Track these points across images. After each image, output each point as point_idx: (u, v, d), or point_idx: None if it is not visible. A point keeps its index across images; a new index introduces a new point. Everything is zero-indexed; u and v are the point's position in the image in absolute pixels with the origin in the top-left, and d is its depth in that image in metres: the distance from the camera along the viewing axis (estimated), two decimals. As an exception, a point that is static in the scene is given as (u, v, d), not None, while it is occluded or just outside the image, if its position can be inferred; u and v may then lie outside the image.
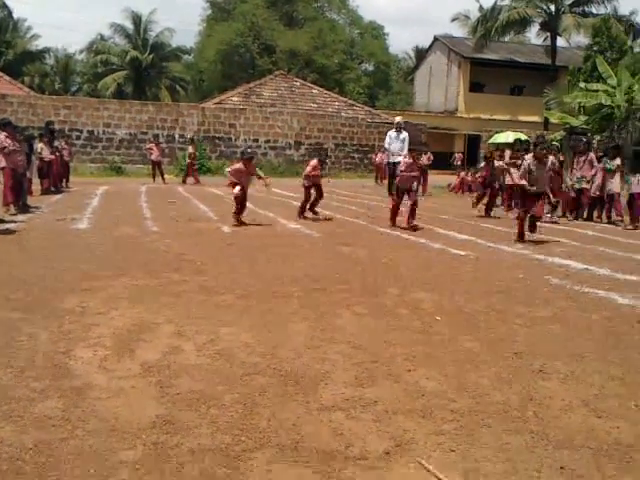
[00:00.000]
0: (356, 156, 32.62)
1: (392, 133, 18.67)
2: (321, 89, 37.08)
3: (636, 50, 41.28)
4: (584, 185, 14.32)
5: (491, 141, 29.41)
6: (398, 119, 19.28)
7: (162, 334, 4.44)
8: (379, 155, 26.28)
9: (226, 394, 3.41)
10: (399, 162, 16.26)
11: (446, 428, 3.06)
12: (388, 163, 18.64)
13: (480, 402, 3.40)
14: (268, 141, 31.26)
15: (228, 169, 11.19)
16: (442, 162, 30.56)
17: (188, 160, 23.03)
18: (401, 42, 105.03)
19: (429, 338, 4.55)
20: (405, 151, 16.95)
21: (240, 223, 10.67)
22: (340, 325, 4.82)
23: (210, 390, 3.46)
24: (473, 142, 40.32)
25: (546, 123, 35.41)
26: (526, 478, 2.63)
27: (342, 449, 2.84)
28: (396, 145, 18.22)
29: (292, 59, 50.17)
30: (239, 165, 10.88)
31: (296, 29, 52.19)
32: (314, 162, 12.37)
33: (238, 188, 10.63)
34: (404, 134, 18.40)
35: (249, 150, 11.74)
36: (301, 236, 9.79)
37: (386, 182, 20.08)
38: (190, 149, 23.04)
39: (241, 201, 10.82)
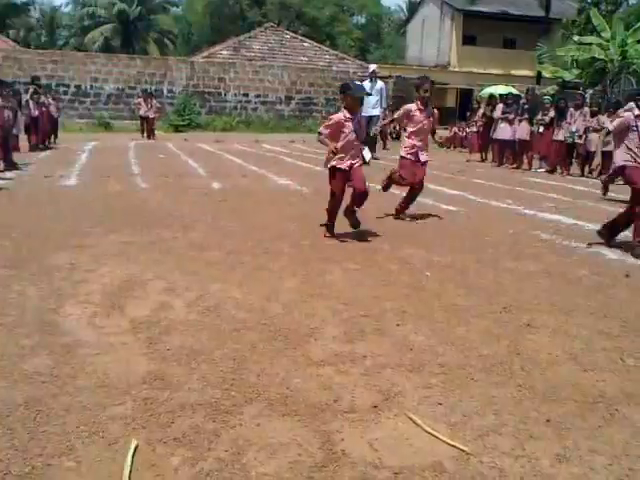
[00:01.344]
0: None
1: (366, 83, 16.05)
2: (312, 42, 36.51)
3: (632, 2, 40.86)
4: (577, 140, 14.29)
5: (481, 94, 29.16)
6: (373, 67, 17.45)
7: (152, 290, 4.44)
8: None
9: (216, 350, 3.42)
10: (376, 116, 15.93)
11: (434, 382, 3.09)
12: (363, 117, 17.23)
13: (468, 356, 3.42)
14: (258, 96, 30.94)
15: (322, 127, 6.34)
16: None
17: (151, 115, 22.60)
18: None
19: (418, 293, 4.57)
20: (384, 103, 16.42)
21: (330, 234, 6.43)
22: (330, 281, 4.83)
23: (200, 346, 3.47)
24: (465, 96, 40.00)
25: (539, 77, 35.10)
26: (512, 430, 2.66)
27: (331, 403, 2.86)
28: (372, 97, 15.88)
29: (282, 11, 49.36)
30: (339, 115, 6.25)
31: (286, -20, 51.28)
32: None
33: (343, 161, 6.25)
34: (380, 84, 16.60)
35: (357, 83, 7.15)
36: (292, 192, 9.76)
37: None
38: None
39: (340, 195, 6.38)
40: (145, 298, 4.26)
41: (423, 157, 7.52)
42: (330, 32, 51.47)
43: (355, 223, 6.52)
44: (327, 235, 6.38)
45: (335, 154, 6.17)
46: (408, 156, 7.48)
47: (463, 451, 2.49)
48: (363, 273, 5.07)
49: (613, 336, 3.82)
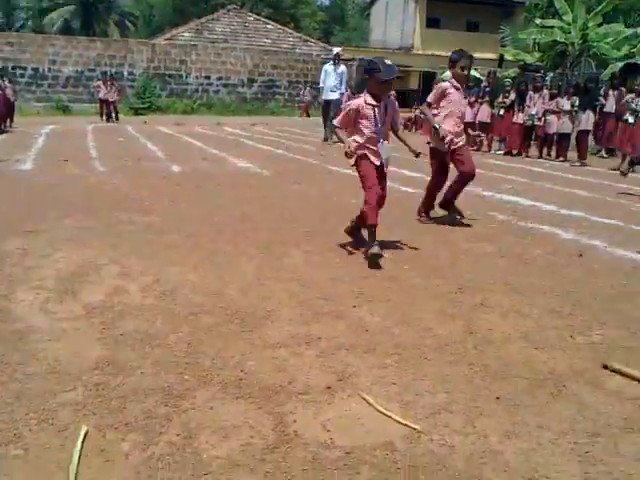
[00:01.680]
0: (314, 93, 32.23)
1: (328, 66, 16.34)
2: (275, 24, 36.30)
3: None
4: (536, 122, 14.45)
5: (442, 76, 29.27)
6: (337, 49, 17.37)
7: (107, 275, 4.38)
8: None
9: (170, 334, 3.40)
10: (336, 100, 15.77)
11: (388, 362, 3.11)
12: (324, 100, 16.49)
13: (423, 336, 3.46)
14: (220, 78, 30.68)
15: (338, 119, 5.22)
16: (398, 100, 30.42)
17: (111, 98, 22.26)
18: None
19: (375, 274, 4.59)
20: (344, 87, 16.12)
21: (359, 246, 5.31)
22: (288, 263, 4.83)
23: (154, 330, 3.44)
24: (429, 79, 40.12)
25: (501, 60, 35.29)
26: (463, 408, 2.69)
27: (285, 384, 2.86)
28: (332, 80, 16.05)
29: (245, -7, 48.82)
30: (359, 100, 5.10)
31: (249, -39, 50.68)
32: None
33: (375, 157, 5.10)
34: (342, 67, 16.33)
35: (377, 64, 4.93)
36: (252, 175, 9.71)
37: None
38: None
39: (377, 200, 5.10)
40: (100, 283, 4.21)
41: (460, 142, 6.32)
42: (294, 14, 51.10)
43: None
44: (375, 253, 4.82)
45: (351, 156, 5.00)
46: (443, 146, 6.24)
47: (414, 429, 2.51)
48: (321, 256, 5.07)
49: (564, 315, 3.88)
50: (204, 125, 21.55)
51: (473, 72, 24.96)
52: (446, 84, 6.31)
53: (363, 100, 5.02)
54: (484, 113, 15.57)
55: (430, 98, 6.39)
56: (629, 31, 24.47)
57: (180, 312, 3.72)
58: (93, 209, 6.60)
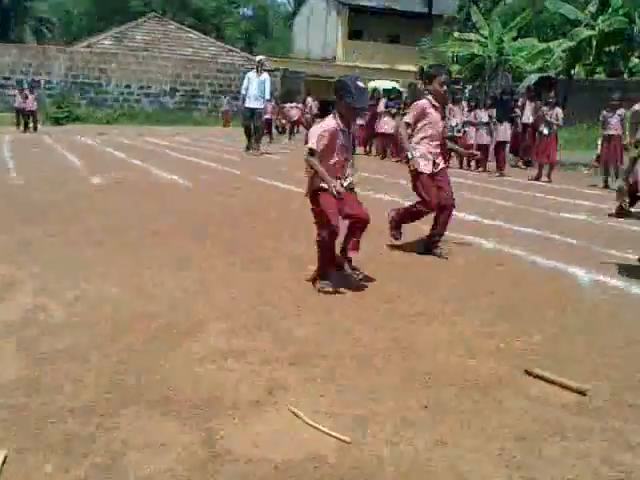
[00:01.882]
0: (234, 103, 32.11)
1: (251, 74, 15.80)
2: (198, 33, 36.03)
3: (508, 1, 42.71)
4: (456, 133, 14.80)
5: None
6: (260, 57, 16.63)
7: (26, 291, 4.23)
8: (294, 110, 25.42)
9: (93, 351, 3.30)
10: (260, 108, 15.59)
11: (317, 373, 3.12)
12: (245, 108, 15.87)
13: (352, 346, 3.47)
14: (142, 87, 30.22)
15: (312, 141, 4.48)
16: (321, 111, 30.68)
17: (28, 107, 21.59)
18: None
19: (303, 286, 4.59)
20: (267, 95, 15.73)
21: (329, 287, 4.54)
22: (215, 277, 4.78)
23: (76, 348, 3.34)
24: (351, 90, 40.53)
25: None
26: (392, 418, 2.72)
27: (213, 400, 2.83)
28: (255, 88, 15.56)
29: (167, 1, 48.28)
30: (331, 122, 4.48)
31: (171, -30, 50.18)
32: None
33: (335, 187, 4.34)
34: (265, 75, 15.74)
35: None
36: (176, 187, 9.58)
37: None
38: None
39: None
40: (18, 300, 4.06)
41: (441, 164, 5.78)
42: (217, 23, 50.92)
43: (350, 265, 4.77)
44: (324, 290, 4.47)
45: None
46: (424, 170, 5.64)
47: (343, 441, 2.52)
48: (247, 268, 5.04)
49: (489, 322, 3.98)
50: (125, 135, 21.16)
51: (394, 84, 25.47)
52: (424, 102, 5.67)
53: (336, 123, 4.43)
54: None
55: (409, 118, 5.69)
56: (542, 45, 25.39)
57: (103, 328, 3.62)
58: (10, 222, 6.37)
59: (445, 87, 5.66)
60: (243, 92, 15.78)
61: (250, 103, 15.60)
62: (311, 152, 4.38)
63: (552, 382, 3.12)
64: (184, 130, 24.52)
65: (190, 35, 34.91)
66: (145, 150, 16.22)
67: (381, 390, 2.97)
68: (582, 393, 3.03)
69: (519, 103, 15.60)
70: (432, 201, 5.63)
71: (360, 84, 4.45)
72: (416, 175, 5.67)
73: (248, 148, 15.97)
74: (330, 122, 4.46)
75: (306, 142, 16.97)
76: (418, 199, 5.75)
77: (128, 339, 3.48)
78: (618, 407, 2.92)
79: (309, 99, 21.87)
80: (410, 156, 5.52)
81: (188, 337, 3.54)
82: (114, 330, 3.60)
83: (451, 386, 3.04)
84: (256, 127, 16.10)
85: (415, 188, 5.74)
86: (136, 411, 2.71)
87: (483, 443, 2.55)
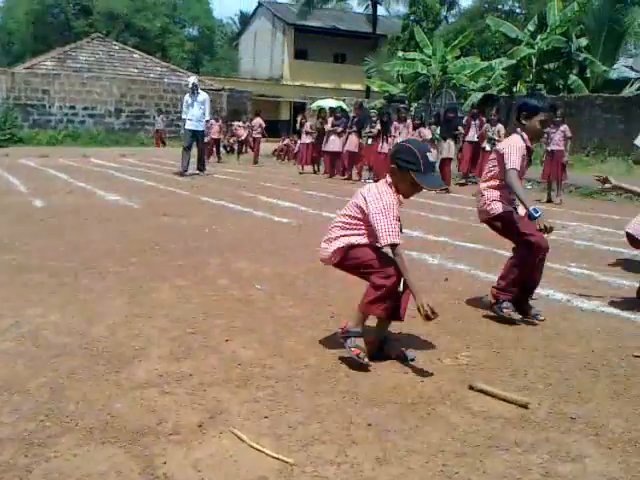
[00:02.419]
0: (181, 124, 31.92)
1: (188, 97, 15.73)
2: (142, 54, 35.75)
3: (451, 20, 43.66)
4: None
5: (311, 107, 29.88)
6: (193, 79, 16.48)
7: (-40, 319, 4.10)
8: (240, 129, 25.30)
9: (31, 379, 3.21)
10: (201, 131, 15.52)
11: (260, 395, 3.09)
12: (187, 131, 15.73)
13: (295, 367, 3.46)
14: (86, 108, 29.81)
15: None
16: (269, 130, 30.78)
17: None
18: (225, 6, 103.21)
19: (248, 307, 4.57)
20: (207, 115, 15.69)
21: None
22: (158, 299, 4.71)
23: (13, 376, 3.24)
24: (299, 109, 40.84)
25: (368, 91, 36.59)
26: (336, 438, 2.70)
27: (154, 426, 2.77)
28: (196, 110, 15.50)
29: (110, 22, 47.96)
30: (391, 193, 3.54)
31: (114, -10, 49.78)
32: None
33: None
34: (203, 96, 15.77)
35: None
36: (121, 208, 9.45)
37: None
38: None
39: None
40: (-48, 328, 3.93)
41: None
42: (161, 44, 50.64)
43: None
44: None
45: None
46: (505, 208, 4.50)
47: (287, 463, 2.49)
48: (192, 289, 4.99)
49: (432, 338, 4.01)
50: (70, 157, 20.81)
51: (340, 103, 25.70)
52: (519, 140, 4.51)
53: (395, 193, 3.56)
54: (352, 143, 15.99)
55: (515, 163, 4.33)
56: (484, 64, 26.04)
57: (42, 355, 3.53)
58: (-55, 248, 6.18)
59: (542, 127, 4.60)
60: (184, 116, 15.65)
61: (192, 125, 15.44)
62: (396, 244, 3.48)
63: (495, 396, 3.15)
64: (130, 151, 24.24)
65: (134, 55, 34.63)
66: (90, 172, 15.97)
67: (326, 410, 2.95)
68: (524, 406, 3.07)
69: (463, 121, 15.90)
70: (542, 239, 4.41)
71: (429, 155, 3.54)
72: (500, 217, 4.52)
73: (184, 170, 15.45)
74: (389, 194, 3.53)
75: (255, 162, 16.87)
76: (521, 246, 4.50)
77: (68, 365, 3.39)
78: (559, 419, 2.96)
79: (258, 119, 21.88)
80: (535, 215, 4.16)
81: (130, 362, 3.47)
82: (53, 356, 3.51)
83: (395, 404, 3.05)
84: (199, 149, 15.89)
85: (510, 233, 4.57)
86: (75, 439, 2.64)
87: (427, 460, 2.56)
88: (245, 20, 55.09)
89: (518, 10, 43.05)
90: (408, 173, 3.48)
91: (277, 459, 2.52)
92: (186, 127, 15.69)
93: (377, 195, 3.51)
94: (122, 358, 3.52)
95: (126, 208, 9.42)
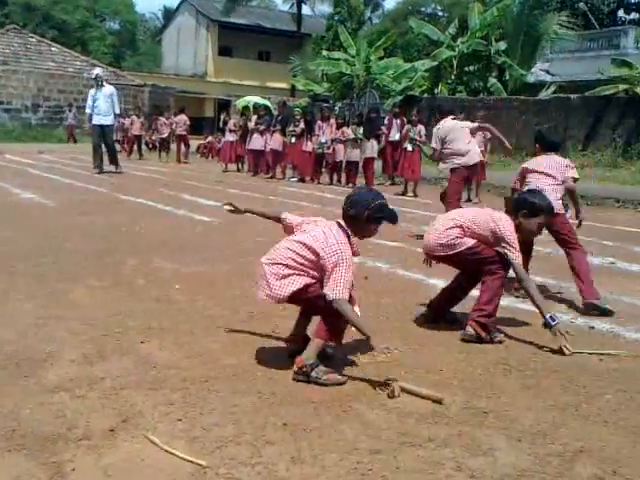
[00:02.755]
0: (79, 118, 31.05)
1: (93, 90, 14.89)
2: (61, 47, 34.61)
3: (375, 22, 44.16)
4: (326, 150, 15.06)
5: (236, 104, 29.68)
6: (97, 71, 15.59)
7: None
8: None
9: None
10: (110, 125, 14.83)
11: (175, 398, 3.04)
12: (94, 126, 14.95)
13: (212, 368, 3.42)
14: (1, 103, 28.71)
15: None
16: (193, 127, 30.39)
17: None
18: (148, 1, 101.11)
19: (166, 307, 4.49)
20: (117, 109, 14.96)
21: None
22: (72, 300, 4.57)
23: None
24: (224, 106, 40.49)
25: (293, 89, 36.59)
26: (251, 438, 2.69)
27: (64, 431, 2.69)
28: (102, 104, 14.63)
29: (27, 13, 46.30)
30: (345, 242, 3.49)
31: (31, -20, 48.15)
32: None
33: None
34: (109, 89, 14.88)
35: None
36: (35, 206, 9.15)
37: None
38: None
39: None
40: None
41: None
42: (81, 37, 49.26)
43: None
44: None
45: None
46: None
47: (200, 465, 2.46)
48: (108, 290, 4.87)
49: (350, 336, 4.01)
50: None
51: (265, 101, 25.62)
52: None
53: (348, 242, 3.51)
54: (276, 141, 15.96)
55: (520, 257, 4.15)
56: (407, 65, 26.44)
57: (-55, 360, 3.38)
58: None
59: (536, 230, 4.34)
60: (88, 111, 14.87)
61: (99, 120, 14.70)
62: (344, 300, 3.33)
63: (410, 392, 3.20)
64: (48, 147, 23.48)
65: (53, 49, 33.51)
66: (4, 168, 15.39)
67: (241, 411, 2.93)
68: (439, 402, 3.12)
69: (385, 121, 16.09)
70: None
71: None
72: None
73: (98, 167, 14.85)
74: (348, 249, 3.46)
75: (179, 160, 16.49)
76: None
77: (-28, 371, 3.26)
78: (472, 414, 3.03)
79: (182, 116, 21.51)
80: (552, 323, 3.95)
81: (40, 365, 3.36)
82: (-43, 362, 3.36)
83: (312, 402, 3.05)
84: (107, 144, 15.07)
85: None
86: (-22, 448, 2.53)
87: (341, 457, 2.57)
88: (168, 15, 54.16)
89: (440, 13, 44.00)
90: (375, 217, 3.54)
91: (190, 462, 2.48)
92: (93, 122, 14.92)
93: (338, 247, 3.39)
94: (31, 362, 3.40)
95: (41, 206, 9.13)
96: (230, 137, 18.17)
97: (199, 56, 44.30)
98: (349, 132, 14.41)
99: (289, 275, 3.39)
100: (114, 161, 15.33)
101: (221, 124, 21.09)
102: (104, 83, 15.10)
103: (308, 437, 2.72)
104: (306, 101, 28.48)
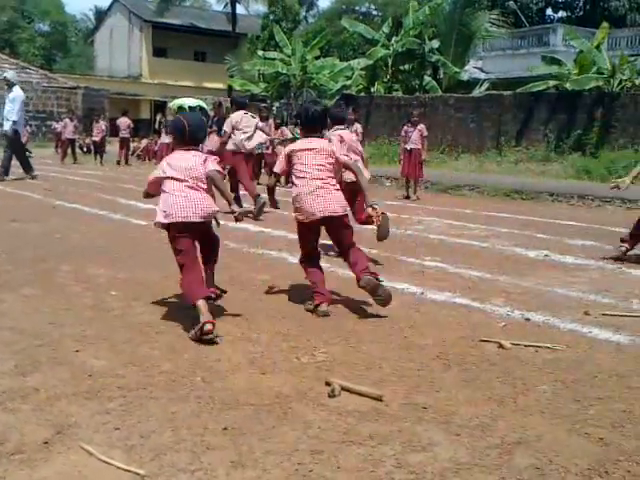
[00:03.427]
0: (33, 123, 30.33)
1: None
2: (-12, 50, 33.62)
3: (310, 21, 44.23)
4: (265, 150, 15.01)
5: (170, 105, 29.31)
6: (7, 74, 14.64)
7: None
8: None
9: None
10: (6, 130, 13.64)
11: (112, 406, 2.97)
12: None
13: (149, 374, 3.36)
14: None
15: None
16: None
17: None
18: (79, 1, 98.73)
19: (102, 314, 4.40)
20: (15, 115, 13.61)
21: None
22: (4, 310, 4.43)
23: None
24: (160, 108, 39.91)
25: (230, 90, 36.33)
26: (190, 445, 2.65)
27: (-6, 447, 2.60)
28: (6, 108, 13.76)
29: (-49, 15, 44.82)
30: None
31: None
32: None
33: None
34: (15, 92, 13.73)
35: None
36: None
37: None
38: None
39: None
40: None
41: None
42: (9, 39, 47.89)
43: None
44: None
45: None
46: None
47: (138, 474, 2.41)
48: (42, 298, 4.74)
49: (291, 337, 4.02)
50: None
51: (199, 102, 25.34)
52: None
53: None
54: (213, 142, 15.79)
55: None
56: (343, 64, 26.58)
57: None
58: None
59: None
60: None
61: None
62: None
63: (350, 391, 3.21)
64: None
65: (-21, 51, 32.54)
66: None
67: (180, 417, 2.89)
68: (379, 399, 3.13)
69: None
70: None
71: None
72: None
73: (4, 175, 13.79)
74: None
75: (119, 163, 16.03)
76: None
77: None
78: (412, 410, 3.04)
79: (124, 118, 21.07)
80: None
81: (-31, 379, 3.25)
82: None
83: (252, 405, 3.03)
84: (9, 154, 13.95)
85: None
86: None
87: (282, 460, 2.55)
88: (100, 16, 53.09)
89: (375, 12, 44.38)
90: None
91: (127, 471, 2.43)
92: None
93: None
94: (-40, 376, 3.28)
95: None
96: (167, 139, 17.93)
97: (133, 57, 43.60)
98: (287, 132, 14.39)
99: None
100: (26, 166, 14.28)
101: (157, 125, 20.82)
102: (12, 88, 13.85)
103: (248, 441, 2.70)
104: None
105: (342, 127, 6.35)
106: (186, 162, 4.22)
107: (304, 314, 4.50)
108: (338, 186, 4.72)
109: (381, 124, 22.34)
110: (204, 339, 3.82)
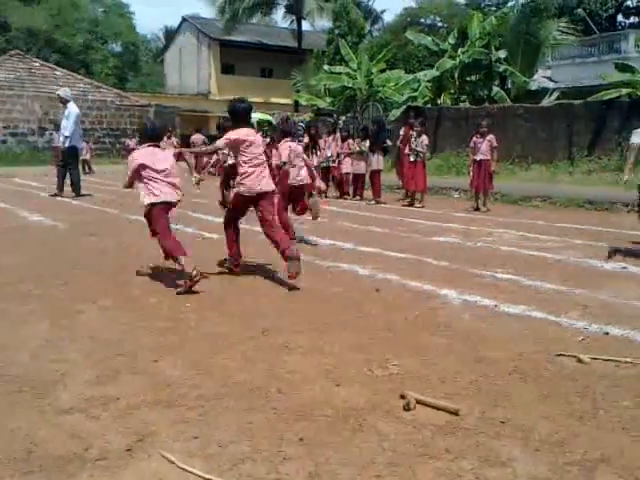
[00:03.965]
0: (107, 141, 31.33)
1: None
2: (64, 70, 34.89)
3: (375, 35, 44.31)
4: (331, 164, 15.10)
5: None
6: (60, 91, 14.94)
7: None
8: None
9: (-53, 411, 3.07)
10: (69, 147, 13.79)
11: (190, 416, 3.03)
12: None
13: (225, 385, 3.41)
14: (7, 127, 28.91)
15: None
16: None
17: None
18: (149, 22, 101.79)
19: (177, 325, 4.49)
20: (69, 130, 13.86)
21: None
22: (83, 321, 4.58)
23: None
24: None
25: (296, 105, 36.68)
26: (267, 455, 2.67)
27: (80, 452, 2.68)
28: (62, 125, 14.10)
29: (30, 38, 46.71)
30: None
31: (33, 5, 48.52)
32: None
33: None
34: (70, 108, 13.96)
35: None
36: (45, 228, 9.18)
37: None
38: None
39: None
40: None
41: None
42: (84, 60, 49.68)
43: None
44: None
45: None
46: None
47: (218, 484, 2.45)
48: (119, 310, 4.87)
49: (363, 349, 4.01)
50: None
51: (267, 117, 25.66)
52: None
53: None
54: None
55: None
56: (409, 76, 26.48)
57: (-42, 385, 3.38)
58: None
59: None
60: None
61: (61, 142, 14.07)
62: None
63: (426, 404, 3.18)
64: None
65: (56, 72, 33.76)
66: (13, 191, 15.47)
67: (257, 427, 2.92)
68: (455, 413, 3.09)
69: (401, 131, 16.03)
70: None
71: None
72: None
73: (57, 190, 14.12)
74: None
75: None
76: None
77: (-13, 395, 3.26)
78: (489, 424, 2.99)
79: (198, 135, 21.29)
80: None
81: (54, 387, 3.36)
82: (-29, 386, 3.37)
83: (327, 417, 3.03)
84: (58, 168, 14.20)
85: None
86: (-6, 472, 2.53)
87: (359, 471, 2.55)
88: (170, 35, 54.52)
89: (440, 24, 44.15)
90: None
91: (207, 479, 2.47)
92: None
93: None
94: (46, 383, 3.40)
95: (50, 228, 9.16)
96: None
97: (202, 75, 44.54)
98: (354, 145, 14.42)
99: None
100: (71, 185, 14.24)
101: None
102: (67, 104, 14.04)
103: (324, 452, 2.70)
104: (310, 116, 28.54)
105: (289, 139, 8.28)
106: None
107: (375, 326, 4.48)
108: None
109: (449, 135, 22.13)
110: (195, 281, 5.20)
